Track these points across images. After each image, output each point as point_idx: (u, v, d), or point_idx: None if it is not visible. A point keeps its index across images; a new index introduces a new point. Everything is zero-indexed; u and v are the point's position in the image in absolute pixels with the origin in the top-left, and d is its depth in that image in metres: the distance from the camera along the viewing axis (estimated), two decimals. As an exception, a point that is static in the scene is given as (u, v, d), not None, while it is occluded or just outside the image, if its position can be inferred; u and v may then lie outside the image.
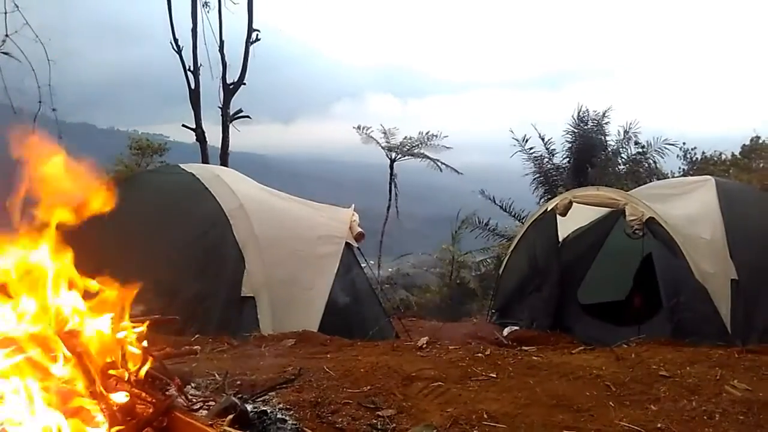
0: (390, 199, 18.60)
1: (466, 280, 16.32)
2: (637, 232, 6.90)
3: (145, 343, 2.67)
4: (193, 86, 13.23)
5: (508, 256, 9.12)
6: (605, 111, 17.16)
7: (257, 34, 13.59)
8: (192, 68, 13.14)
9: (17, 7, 9.06)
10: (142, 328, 2.64)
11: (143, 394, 2.59)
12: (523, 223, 15.83)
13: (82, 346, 2.44)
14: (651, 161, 16.56)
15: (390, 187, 18.57)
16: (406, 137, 18.66)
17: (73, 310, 2.54)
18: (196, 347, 3.09)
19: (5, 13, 9.08)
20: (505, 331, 7.42)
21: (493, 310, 9.04)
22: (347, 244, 6.98)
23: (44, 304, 2.51)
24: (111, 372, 2.54)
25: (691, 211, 7.37)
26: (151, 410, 2.51)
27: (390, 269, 18.01)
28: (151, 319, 2.70)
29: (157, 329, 2.91)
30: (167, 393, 2.77)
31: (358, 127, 18.60)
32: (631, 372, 3.64)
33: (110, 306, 2.67)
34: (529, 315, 7.95)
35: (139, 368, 2.60)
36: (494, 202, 16.92)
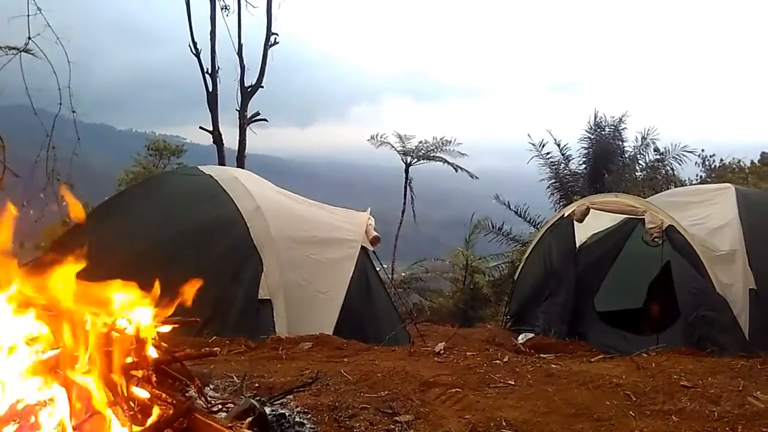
0: (405, 203, 18.59)
1: (479, 285, 16.24)
2: (656, 240, 6.83)
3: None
4: (210, 89, 13.35)
5: (523, 262, 9.07)
6: (622, 116, 17.02)
7: (275, 38, 13.70)
8: (210, 71, 13.27)
9: (39, 10, 9.21)
10: (166, 328, 2.65)
11: (164, 395, 2.60)
12: (538, 229, 15.77)
13: (106, 345, 2.46)
14: (669, 168, 16.40)
15: (405, 191, 18.56)
16: (421, 141, 18.67)
17: (96, 309, 2.56)
18: (215, 349, 3.10)
19: (28, 15, 9.23)
20: (520, 338, 7.37)
21: (508, 316, 9.00)
22: (363, 248, 6.99)
23: (66, 304, 2.53)
24: (132, 372, 2.56)
25: (711, 219, 7.29)
26: (171, 411, 2.52)
27: (403, 273, 17.96)
28: (174, 320, 2.71)
29: (176, 330, 2.93)
30: (187, 394, 2.79)
31: (373, 137, 18.66)
32: (651, 381, 3.59)
33: (131, 306, 2.69)
34: (544, 321, 7.90)
35: (160, 369, 2.61)
36: (509, 207, 16.84)
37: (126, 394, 2.46)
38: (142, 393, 2.53)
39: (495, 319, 12.97)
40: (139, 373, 2.57)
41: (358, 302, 6.60)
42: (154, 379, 2.62)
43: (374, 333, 6.36)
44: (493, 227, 16.94)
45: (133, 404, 2.45)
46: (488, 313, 14.97)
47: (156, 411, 2.48)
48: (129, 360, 2.51)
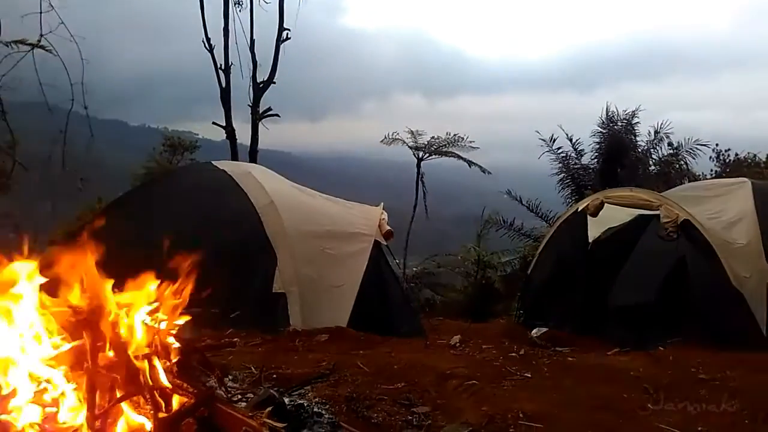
0: (416, 198, 18.54)
1: (491, 280, 16.17)
2: (671, 234, 6.78)
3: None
4: (224, 85, 13.39)
5: (536, 257, 9.02)
6: (635, 110, 16.84)
7: (287, 33, 13.71)
8: (223, 67, 13.31)
9: (52, 6, 9.27)
10: (186, 319, 2.68)
11: (185, 385, 2.63)
12: (550, 224, 15.69)
13: (128, 336, 2.49)
14: (682, 162, 16.23)
15: (417, 186, 18.51)
16: (433, 137, 18.60)
17: (118, 301, 2.59)
18: (234, 339, 3.13)
19: (41, 12, 9.31)
20: (533, 332, 7.35)
21: (521, 311, 8.97)
22: (376, 242, 7.00)
23: (90, 294, 2.56)
24: (155, 362, 2.59)
25: (726, 213, 7.22)
26: (193, 400, 2.55)
27: (414, 268, 17.93)
28: (194, 311, 2.74)
29: (193, 323, 2.96)
30: (207, 384, 2.82)
31: (386, 137, 18.62)
32: (669, 374, 3.58)
33: (154, 298, 2.72)
34: (557, 316, 7.86)
35: (181, 359, 2.64)
36: (521, 202, 16.74)
37: (149, 384, 2.49)
38: (164, 382, 2.56)
39: (507, 314, 12.93)
40: (161, 363, 2.61)
41: (371, 296, 6.61)
42: (175, 369, 2.65)
43: (388, 326, 6.37)
44: (504, 222, 16.86)
45: (155, 393, 2.48)
46: (500, 308, 14.92)
47: (178, 400, 2.51)
48: (151, 350, 2.55)
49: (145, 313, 2.61)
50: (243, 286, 6.32)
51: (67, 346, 2.45)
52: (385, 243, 7.29)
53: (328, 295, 6.44)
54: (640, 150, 16.80)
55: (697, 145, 16.26)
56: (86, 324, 2.43)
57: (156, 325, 2.61)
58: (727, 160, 17.21)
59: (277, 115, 14.01)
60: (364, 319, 6.12)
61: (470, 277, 16.66)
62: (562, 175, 16.87)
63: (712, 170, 17.28)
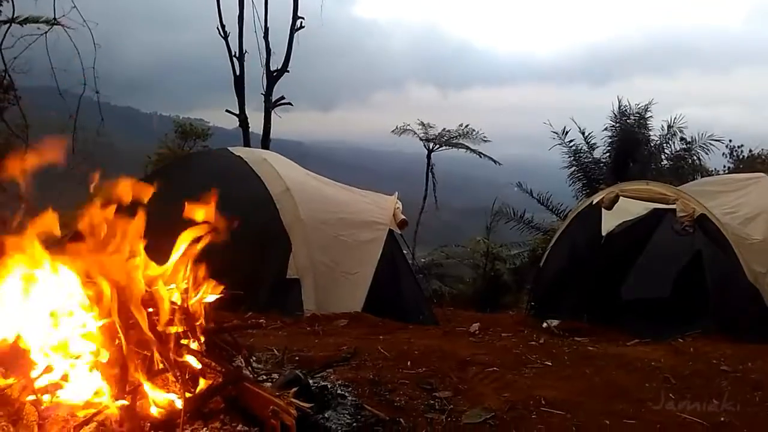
0: (426, 189, 18.57)
1: (500, 272, 16.20)
2: (687, 228, 6.75)
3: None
4: (237, 72, 13.38)
5: (549, 249, 9.01)
6: (647, 105, 16.76)
7: (301, 22, 13.67)
8: (237, 54, 13.28)
9: (66, -10, 9.30)
10: (213, 298, 2.70)
11: (213, 364, 2.66)
12: (560, 217, 15.67)
13: (159, 313, 2.52)
14: (695, 157, 16.15)
15: (427, 178, 18.52)
16: (444, 129, 18.58)
17: (148, 280, 2.62)
18: (261, 320, 3.16)
19: (55, -5, 9.34)
20: (544, 325, 7.35)
21: (532, 303, 8.97)
22: (390, 231, 7.02)
23: (121, 274, 2.58)
24: (183, 341, 2.61)
25: (743, 208, 7.18)
26: (220, 379, 2.58)
27: (423, 259, 17.97)
28: (221, 292, 2.76)
29: (215, 304, 2.98)
30: (234, 364, 2.84)
31: (397, 128, 18.60)
32: (690, 366, 3.58)
33: (182, 278, 2.74)
34: (569, 309, 7.86)
35: (208, 339, 2.66)
36: (531, 195, 16.73)
37: (178, 362, 2.52)
38: (193, 361, 2.58)
39: (516, 306, 12.95)
40: (190, 342, 2.63)
41: (385, 284, 6.64)
42: (203, 348, 2.67)
43: (401, 314, 6.39)
44: (514, 214, 16.86)
45: (185, 371, 2.50)
46: (509, 300, 14.95)
47: (205, 379, 2.53)
48: (180, 329, 2.57)
49: (176, 290, 2.64)
50: (258, 271, 6.35)
51: (98, 323, 2.47)
52: (400, 232, 7.31)
53: (342, 282, 6.47)
54: (652, 144, 16.74)
55: (711, 140, 16.19)
56: (117, 301, 2.45)
57: (185, 304, 2.63)
58: (741, 156, 17.12)
59: (290, 103, 14.00)
60: (377, 307, 6.15)
61: (479, 269, 16.69)
62: (573, 168, 16.85)
63: (725, 166, 17.19)
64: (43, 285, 2.47)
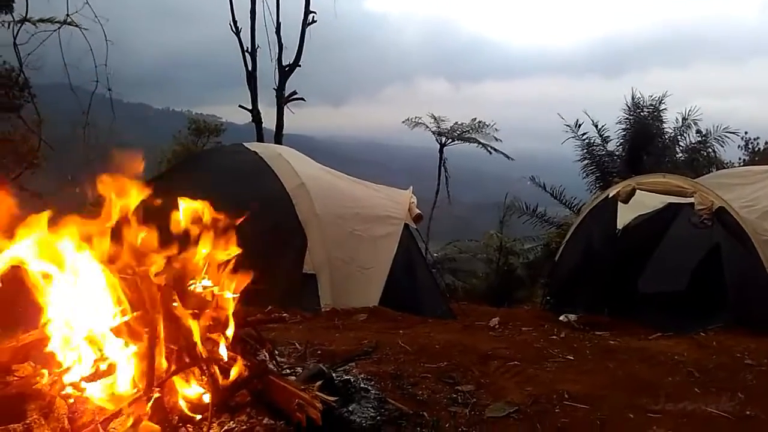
0: (438, 184, 18.52)
1: (513, 267, 16.15)
2: (705, 222, 6.69)
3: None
4: (250, 68, 13.40)
5: (564, 243, 8.97)
6: (662, 97, 16.60)
7: (313, 16, 13.67)
8: (250, 49, 13.30)
9: (78, -14, 9.36)
10: (237, 294, 2.72)
11: (239, 357, 2.67)
12: (573, 211, 15.58)
13: (187, 307, 2.53)
14: (710, 150, 15.98)
15: (439, 172, 18.47)
16: (456, 122, 18.51)
17: (177, 275, 2.63)
18: (284, 315, 3.17)
19: (68, -9, 9.39)
20: (563, 318, 7.33)
21: (548, 298, 8.95)
22: (405, 226, 7.02)
23: (149, 268, 2.60)
24: (210, 335, 2.63)
25: (761, 201, 7.09)
26: (247, 373, 2.59)
27: (435, 254, 17.97)
28: (246, 286, 2.78)
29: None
30: (258, 358, 2.86)
31: (408, 119, 18.54)
32: (714, 359, 3.55)
33: (207, 273, 2.76)
34: (585, 303, 7.82)
35: (236, 333, 2.68)
36: (544, 189, 16.62)
37: (206, 355, 2.54)
38: (221, 355, 2.60)
39: (530, 300, 12.92)
40: (216, 336, 2.65)
41: (401, 279, 6.65)
42: (229, 341, 2.69)
43: (417, 309, 6.40)
44: (526, 209, 16.78)
45: (213, 365, 2.52)
46: (522, 295, 14.91)
47: (235, 371, 2.55)
48: (209, 322, 2.59)
49: (202, 285, 2.66)
50: (274, 266, 6.37)
51: (126, 317, 2.50)
52: (415, 226, 7.31)
53: (358, 277, 6.48)
54: (667, 137, 16.58)
55: (726, 132, 16.01)
56: (146, 295, 2.47)
57: (212, 298, 2.65)
58: (756, 149, 16.92)
59: (302, 98, 14.01)
60: (393, 302, 6.15)
61: (492, 264, 16.65)
62: (587, 161, 16.73)
63: (740, 158, 17.00)
64: (72, 277, 2.49)
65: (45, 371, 2.40)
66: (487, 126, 18.37)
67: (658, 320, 7.00)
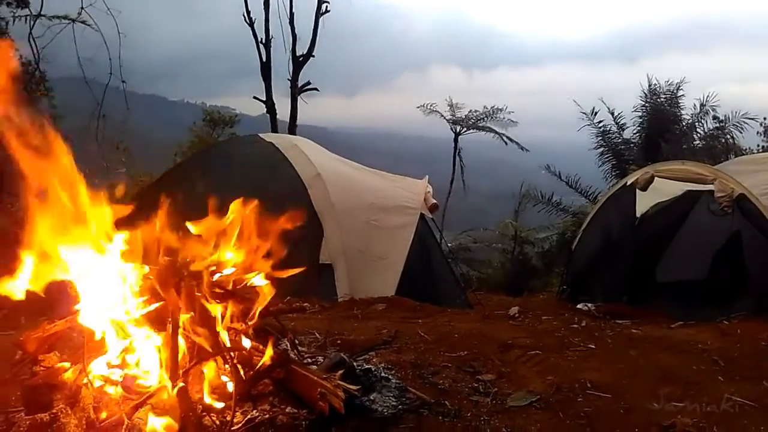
0: (453, 173, 18.46)
1: (528, 256, 16.09)
2: (725, 209, 6.59)
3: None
4: (264, 59, 13.40)
5: (581, 232, 8.89)
6: (679, 83, 16.36)
7: (327, 6, 13.62)
8: (264, 41, 13.30)
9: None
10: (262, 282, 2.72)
11: (261, 347, 2.68)
12: (589, 199, 15.46)
13: (209, 297, 2.54)
14: (729, 137, 15.75)
15: (454, 161, 18.41)
16: (471, 110, 18.41)
17: (199, 264, 2.65)
18: (305, 304, 3.18)
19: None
20: (583, 307, 7.27)
21: (564, 287, 8.88)
22: (421, 215, 7.00)
23: (173, 258, 2.61)
24: (232, 325, 2.64)
25: (782, 187, 6.98)
26: (269, 362, 2.60)
27: (450, 244, 17.94)
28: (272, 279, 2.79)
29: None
30: (280, 347, 2.87)
31: (423, 105, 18.47)
32: (738, 347, 3.51)
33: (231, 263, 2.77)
34: (602, 292, 7.76)
35: (257, 322, 2.69)
36: (560, 177, 16.49)
37: (228, 345, 2.55)
38: (243, 344, 2.61)
39: (545, 290, 12.85)
40: (239, 326, 2.66)
41: (417, 268, 6.63)
42: (251, 331, 2.70)
43: (434, 299, 6.38)
44: (542, 197, 16.67)
45: (235, 355, 2.53)
46: (537, 283, 14.85)
47: (257, 361, 2.56)
48: (231, 312, 2.60)
49: (224, 275, 2.67)
50: (291, 256, 6.38)
51: (150, 306, 2.51)
52: (431, 216, 7.28)
53: (374, 266, 6.47)
54: (684, 124, 16.36)
55: (744, 118, 15.76)
56: (169, 284, 2.49)
57: (234, 288, 2.66)
58: (775, 135, 16.62)
59: (316, 89, 14.00)
60: (410, 291, 6.14)
61: (507, 253, 16.59)
62: (603, 149, 16.57)
63: (759, 145, 16.72)
64: (97, 267, 2.51)
65: (68, 363, 2.43)
66: (501, 111, 18.24)
67: (678, 309, 6.92)
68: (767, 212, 6.38)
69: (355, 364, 3.01)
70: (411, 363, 3.16)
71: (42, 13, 10.48)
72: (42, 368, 2.49)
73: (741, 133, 15.79)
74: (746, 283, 6.49)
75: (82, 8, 10.39)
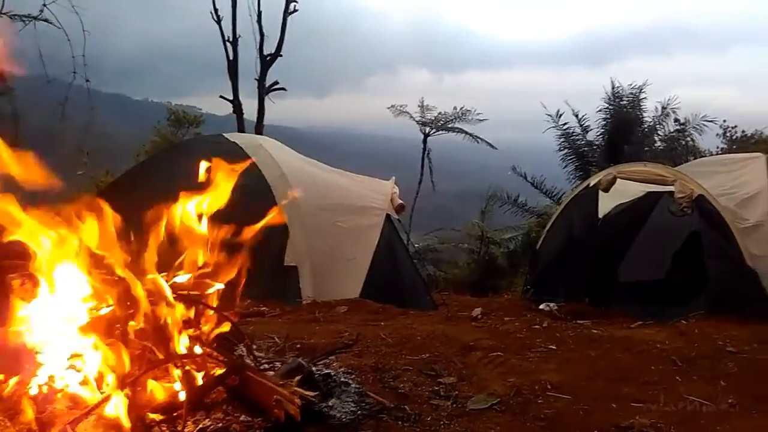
0: (422, 174, 18.51)
1: (494, 256, 16.22)
2: (685, 209, 6.72)
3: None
4: (231, 57, 13.19)
5: (545, 232, 8.99)
6: (642, 86, 16.72)
7: (295, 5, 13.49)
8: (231, 39, 13.10)
9: (54, -25, 9.12)
10: (217, 288, 2.65)
11: (215, 354, 2.60)
12: (554, 200, 15.67)
13: (160, 303, 2.45)
14: (689, 139, 16.16)
15: (422, 162, 18.45)
16: (440, 112, 18.47)
17: (148, 267, 2.55)
18: (263, 308, 3.10)
19: (43, -19, 9.16)
20: (542, 307, 7.33)
21: (528, 286, 8.96)
22: (388, 216, 6.97)
23: (122, 264, 2.51)
24: (185, 332, 2.56)
25: (740, 189, 7.15)
26: (223, 369, 2.52)
27: (417, 245, 17.98)
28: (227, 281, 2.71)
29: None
30: (236, 353, 2.79)
31: (393, 106, 18.49)
32: (696, 347, 3.56)
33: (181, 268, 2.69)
34: (565, 291, 7.84)
35: (213, 328, 2.61)
36: (525, 178, 16.71)
37: (179, 352, 2.46)
38: (195, 350, 2.53)
39: (511, 290, 12.96)
40: (191, 332, 2.57)
41: (383, 270, 6.60)
42: (205, 337, 2.62)
43: (400, 300, 6.35)
44: (508, 198, 16.85)
45: (187, 362, 2.45)
46: (503, 284, 14.97)
47: (208, 368, 2.48)
48: (183, 318, 2.51)
49: (177, 280, 2.58)
50: (255, 258, 6.27)
51: (98, 312, 2.41)
52: (397, 217, 7.25)
53: (340, 268, 6.42)
54: (646, 126, 16.73)
55: (704, 121, 16.20)
56: (118, 290, 2.39)
57: (187, 293, 2.57)
58: (734, 137, 17.12)
59: (284, 88, 13.85)
60: (375, 293, 6.10)
61: (474, 254, 16.70)
62: (566, 150, 16.84)
63: (718, 147, 17.19)
64: (43, 274, 2.40)
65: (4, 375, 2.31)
66: (470, 112, 18.39)
67: (639, 308, 7.03)
68: (725, 213, 6.53)
69: (314, 369, 2.94)
70: (372, 367, 3.11)
71: (2, 11, 10.14)
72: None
73: (701, 135, 16.25)
74: (705, 283, 6.63)
75: (44, 5, 10.06)
